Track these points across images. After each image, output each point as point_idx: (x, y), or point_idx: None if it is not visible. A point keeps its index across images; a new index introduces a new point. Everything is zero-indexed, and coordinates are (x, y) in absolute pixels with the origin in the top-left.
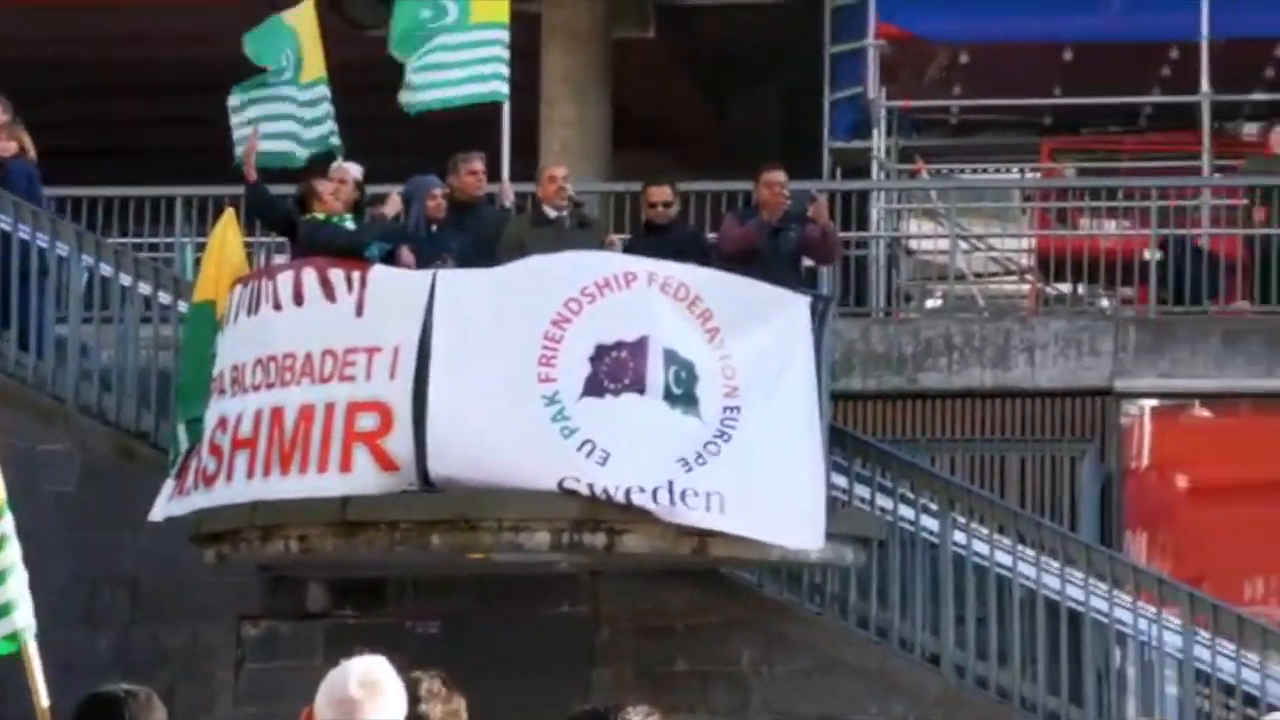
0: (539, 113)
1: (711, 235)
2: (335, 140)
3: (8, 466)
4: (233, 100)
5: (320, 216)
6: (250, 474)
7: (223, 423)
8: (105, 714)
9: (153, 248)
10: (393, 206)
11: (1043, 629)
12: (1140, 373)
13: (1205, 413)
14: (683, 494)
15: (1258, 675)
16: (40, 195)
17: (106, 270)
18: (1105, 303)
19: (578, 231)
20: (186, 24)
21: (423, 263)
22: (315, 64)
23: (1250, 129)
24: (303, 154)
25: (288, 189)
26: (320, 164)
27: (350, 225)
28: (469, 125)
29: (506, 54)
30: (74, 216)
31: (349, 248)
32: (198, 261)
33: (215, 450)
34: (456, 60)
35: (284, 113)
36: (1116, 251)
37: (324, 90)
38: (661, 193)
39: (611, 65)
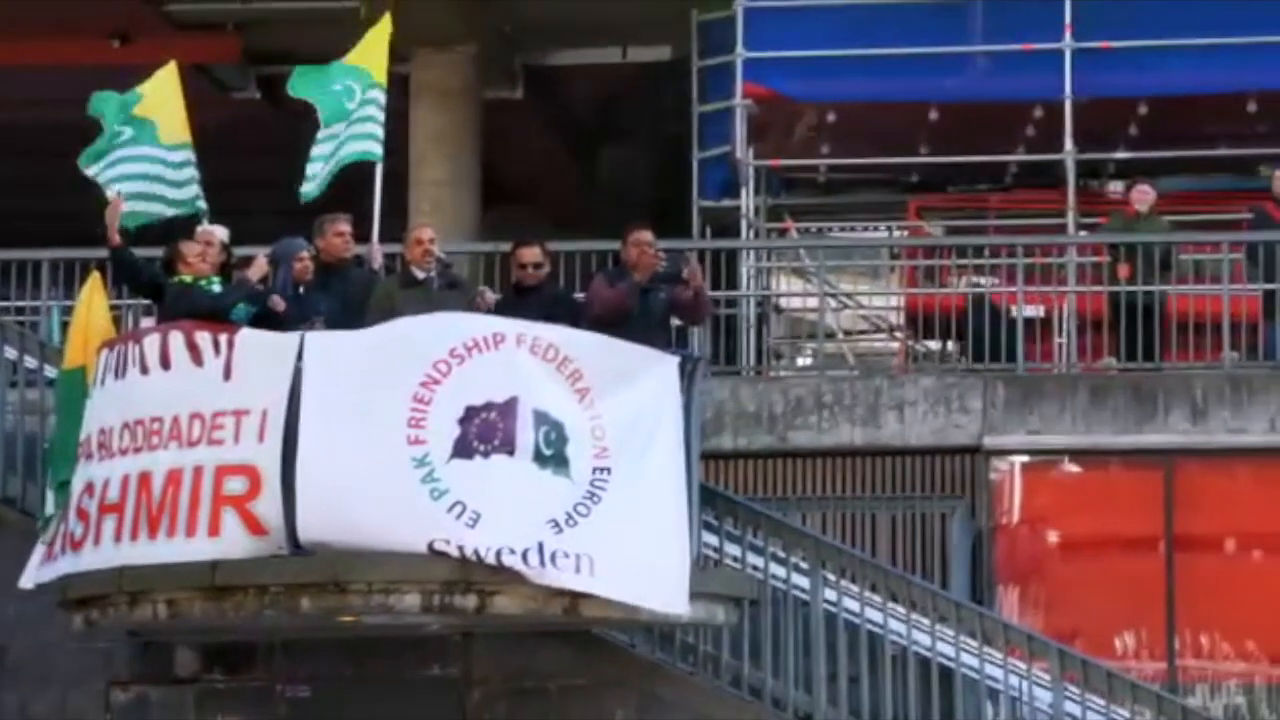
0: (408, 172)
1: (580, 295)
2: (201, 204)
3: None
4: (89, 170)
5: (187, 279)
6: (118, 538)
7: (89, 487)
8: None
9: (19, 311)
10: (258, 270)
11: (915, 686)
12: (1009, 429)
13: (1074, 468)
14: (553, 555)
15: None
16: None
17: None
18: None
19: (446, 292)
20: (53, 88)
21: (291, 325)
22: (178, 127)
23: (1115, 186)
24: (169, 212)
25: (154, 252)
26: (185, 226)
27: (217, 288)
28: (336, 186)
29: (382, 115)
30: None
31: (214, 311)
32: (64, 325)
33: (83, 515)
34: (334, 130)
35: (149, 173)
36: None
37: (189, 154)
38: (531, 253)
39: (481, 125)
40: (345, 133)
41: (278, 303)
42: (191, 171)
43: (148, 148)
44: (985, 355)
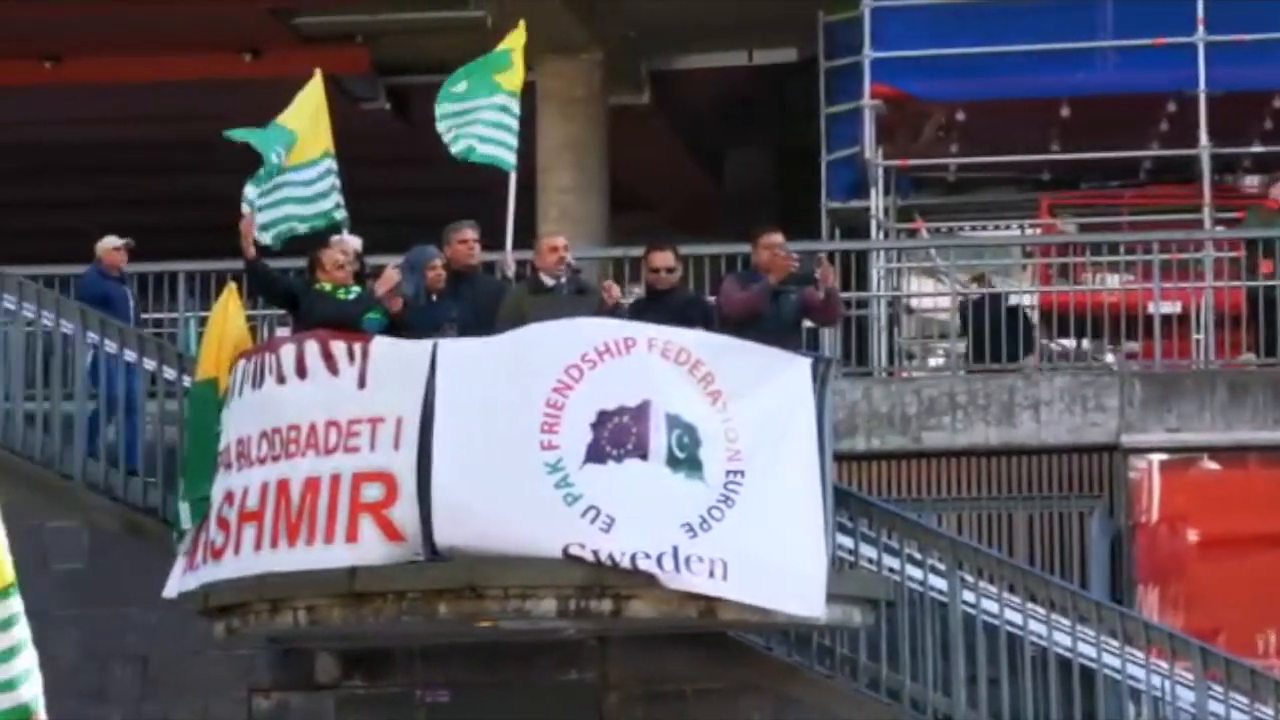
0: (536, 180)
1: (711, 298)
2: (340, 214)
3: (17, 544)
4: (248, 193)
5: (325, 286)
6: (258, 546)
7: (229, 496)
8: None
9: (157, 323)
10: (386, 282)
11: (1055, 687)
12: (1147, 427)
13: (1214, 465)
14: (687, 560)
15: None
16: None
17: (111, 347)
18: (1110, 358)
19: (576, 298)
20: (185, 103)
21: (424, 333)
22: (321, 137)
23: (1251, 181)
24: (301, 228)
25: (291, 263)
26: (326, 235)
27: (352, 297)
28: (465, 195)
29: (516, 123)
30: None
31: (344, 319)
32: (200, 336)
33: (223, 524)
34: (477, 122)
35: (284, 197)
36: (1120, 306)
37: (330, 164)
38: (664, 258)
39: (607, 131)
40: (480, 127)
41: (395, 302)
42: (333, 181)
43: (281, 176)
44: (986, 356)
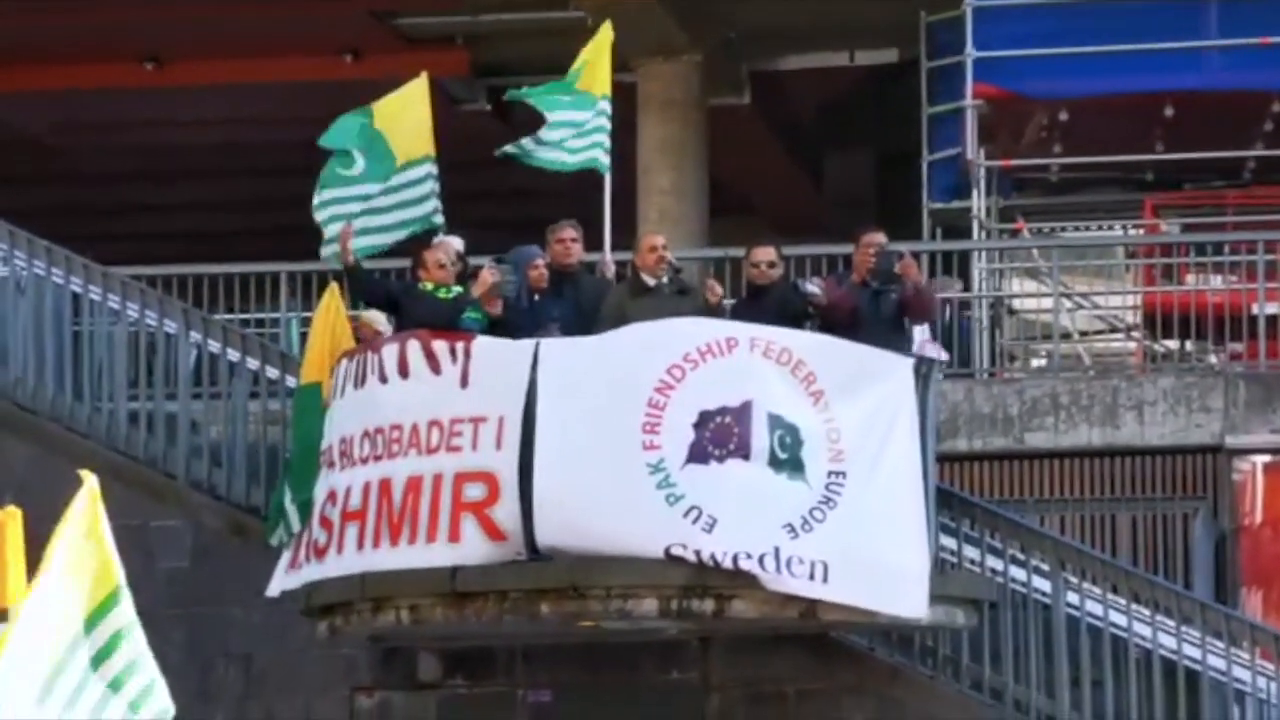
0: (635, 182)
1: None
2: (439, 219)
3: (122, 544)
4: (316, 199)
5: (428, 286)
6: (360, 546)
7: (332, 495)
8: None
9: (258, 324)
10: (482, 284)
11: (1159, 689)
12: (1251, 428)
13: None
14: (788, 562)
15: None
16: None
17: (214, 347)
18: (1214, 358)
19: (677, 298)
20: (287, 105)
21: (526, 333)
22: (421, 140)
23: None
24: (390, 239)
25: (393, 264)
26: (422, 239)
27: (453, 296)
28: (564, 197)
29: (609, 125)
30: (180, 295)
31: (445, 318)
32: (303, 336)
33: (325, 523)
34: (564, 130)
35: (362, 209)
36: (1224, 306)
37: (430, 168)
38: (766, 253)
39: (707, 133)
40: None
41: (494, 304)
42: (433, 186)
43: (359, 186)
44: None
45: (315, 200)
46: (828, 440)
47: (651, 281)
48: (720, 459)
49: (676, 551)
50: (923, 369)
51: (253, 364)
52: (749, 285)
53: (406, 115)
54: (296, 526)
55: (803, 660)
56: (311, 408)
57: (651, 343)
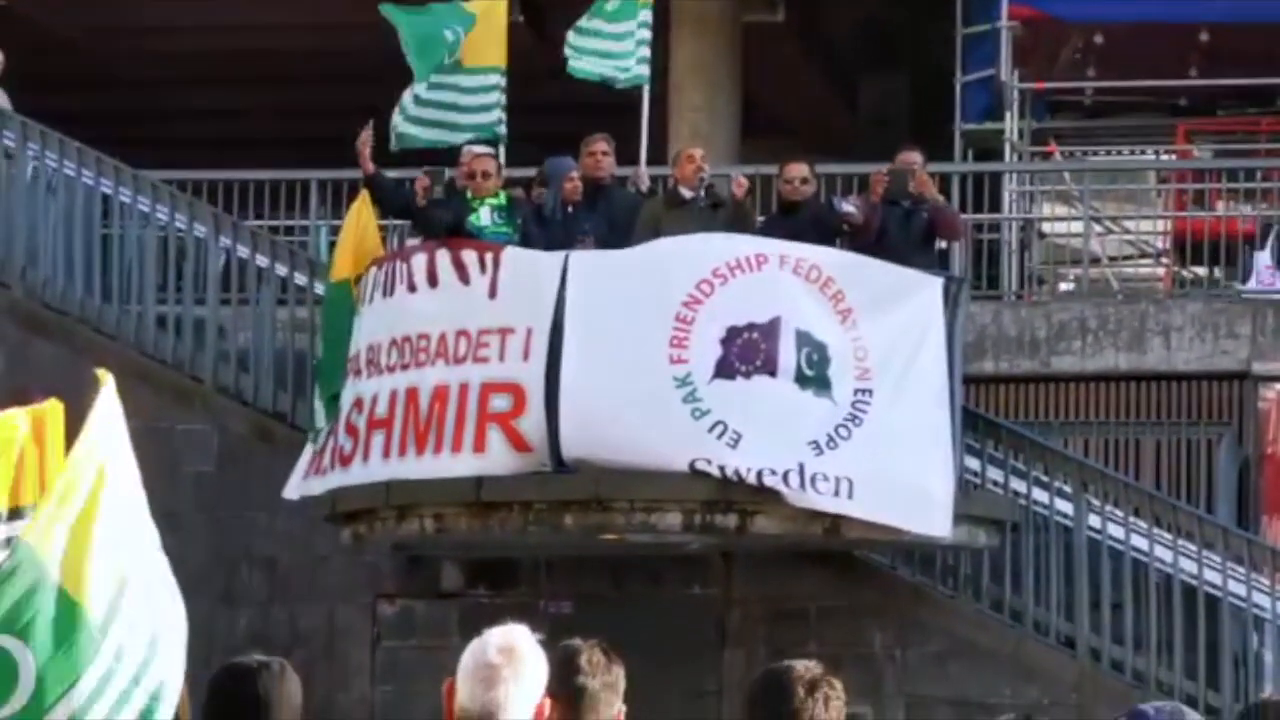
0: (668, 98)
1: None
2: (502, 129)
3: (148, 446)
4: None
5: (467, 195)
6: (386, 454)
7: (359, 403)
8: (240, 685)
9: (288, 231)
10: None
11: (1179, 614)
12: (1278, 355)
13: None
14: (813, 478)
15: None
16: None
17: (243, 252)
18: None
19: (711, 211)
20: (319, 14)
21: (559, 245)
22: (494, 51)
23: None
24: (460, 138)
25: (409, 172)
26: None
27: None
28: (598, 110)
29: (649, 37)
30: (211, 200)
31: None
32: (332, 244)
33: (351, 430)
34: (603, 42)
35: (445, 100)
36: (1254, 233)
37: (499, 78)
38: (799, 169)
39: (740, 50)
40: (606, 45)
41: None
42: (499, 96)
43: (448, 75)
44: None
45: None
46: (854, 358)
47: (688, 194)
48: (747, 375)
49: (701, 466)
50: (952, 289)
51: (281, 270)
52: (780, 202)
53: (483, 22)
54: (322, 423)
55: (824, 578)
56: (339, 304)
57: (681, 257)
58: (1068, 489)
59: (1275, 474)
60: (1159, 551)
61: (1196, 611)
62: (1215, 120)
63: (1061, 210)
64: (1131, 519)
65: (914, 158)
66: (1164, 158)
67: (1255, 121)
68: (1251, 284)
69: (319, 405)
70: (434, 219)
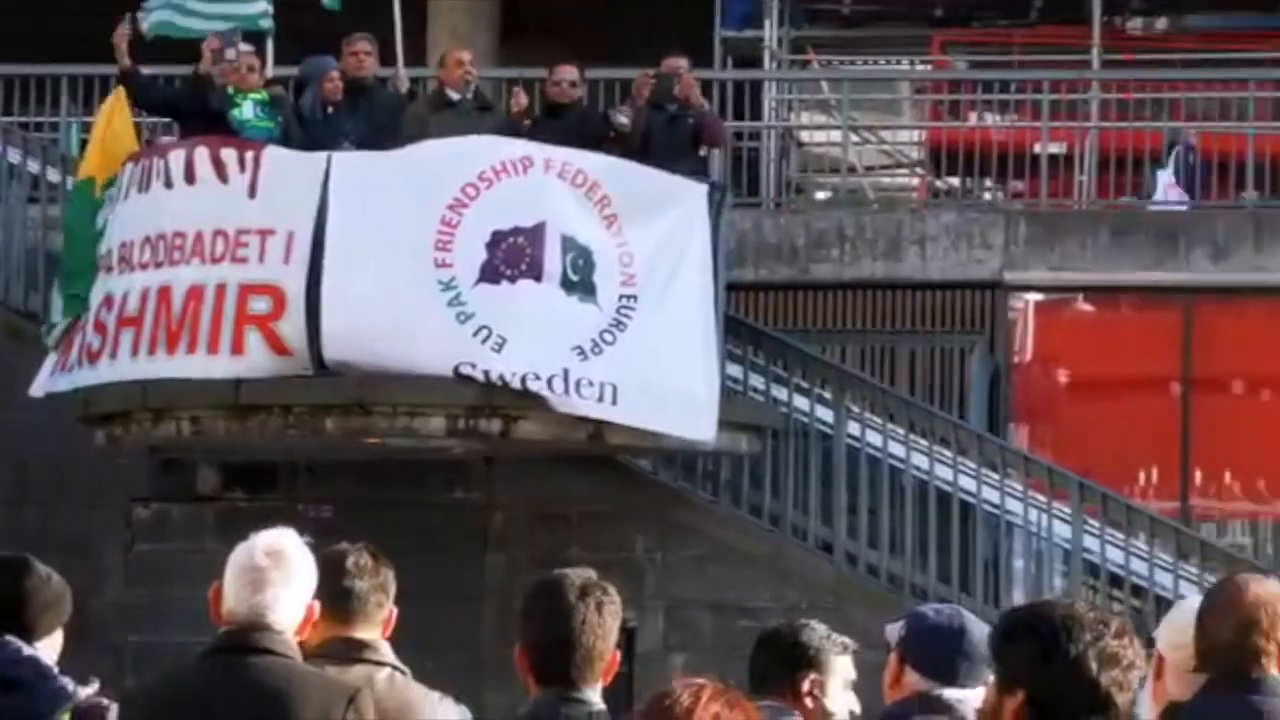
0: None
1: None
2: (267, 22)
3: None
4: None
5: (231, 90)
6: (135, 352)
7: (109, 300)
8: (5, 576)
9: (38, 128)
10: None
11: (934, 518)
12: (1030, 265)
13: (1087, 307)
14: (577, 383)
15: (1145, 565)
16: None
17: None
18: (989, 196)
19: (478, 114)
20: None
21: (320, 146)
22: None
23: (1136, 23)
24: (220, 26)
25: (179, 69)
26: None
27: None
28: (357, 8)
29: None
30: None
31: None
32: (83, 143)
33: (100, 328)
34: None
35: None
36: (1008, 144)
37: None
38: (568, 71)
39: None
40: None
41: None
42: None
43: None
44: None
45: None
46: (620, 264)
47: (455, 96)
48: (512, 279)
49: (465, 370)
50: (715, 196)
51: (33, 167)
52: (547, 104)
53: None
54: (58, 317)
55: (587, 482)
56: (83, 204)
57: (446, 160)
58: (827, 396)
59: (1022, 383)
60: (915, 458)
61: (950, 517)
62: (970, 31)
63: (820, 119)
64: (888, 425)
65: (679, 63)
66: (920, 68)
67: (1009, 33)
68: (1158, 197)
69: (57, 298)
70: (205, 99)
